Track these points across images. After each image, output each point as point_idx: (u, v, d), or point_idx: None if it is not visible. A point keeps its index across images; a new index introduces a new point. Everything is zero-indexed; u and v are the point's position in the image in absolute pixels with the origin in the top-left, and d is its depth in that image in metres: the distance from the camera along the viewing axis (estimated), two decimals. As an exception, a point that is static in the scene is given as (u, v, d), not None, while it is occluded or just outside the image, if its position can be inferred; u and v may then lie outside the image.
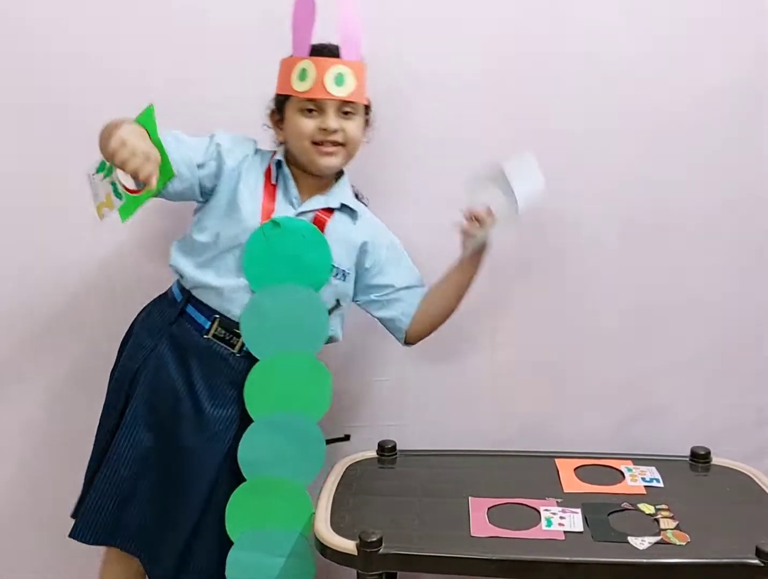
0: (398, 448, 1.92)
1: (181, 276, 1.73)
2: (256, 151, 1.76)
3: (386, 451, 1.91)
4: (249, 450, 1.70)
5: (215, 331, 1.70)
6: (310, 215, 1.72)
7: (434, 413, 2.04)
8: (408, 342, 1.86)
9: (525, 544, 1.57)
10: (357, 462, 1.89)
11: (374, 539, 1.53)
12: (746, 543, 1.52)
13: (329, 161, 1.70)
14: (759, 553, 1.49)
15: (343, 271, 1.74)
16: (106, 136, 1.52)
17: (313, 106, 1.67)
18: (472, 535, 1.60)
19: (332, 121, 1.66)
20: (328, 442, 1.76)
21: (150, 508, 1.71)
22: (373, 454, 1.92)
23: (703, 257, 2.00)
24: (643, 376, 2.04)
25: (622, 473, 1.82)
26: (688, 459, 1.89)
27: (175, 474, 1.70)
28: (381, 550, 1.54)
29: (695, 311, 2.02)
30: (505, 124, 1.92)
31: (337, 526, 1.62)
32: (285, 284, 1.69)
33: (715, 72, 1.92)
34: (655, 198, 1.97)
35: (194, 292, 1.72)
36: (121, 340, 1.83)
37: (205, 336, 1.71)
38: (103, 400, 1.79)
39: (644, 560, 1.52)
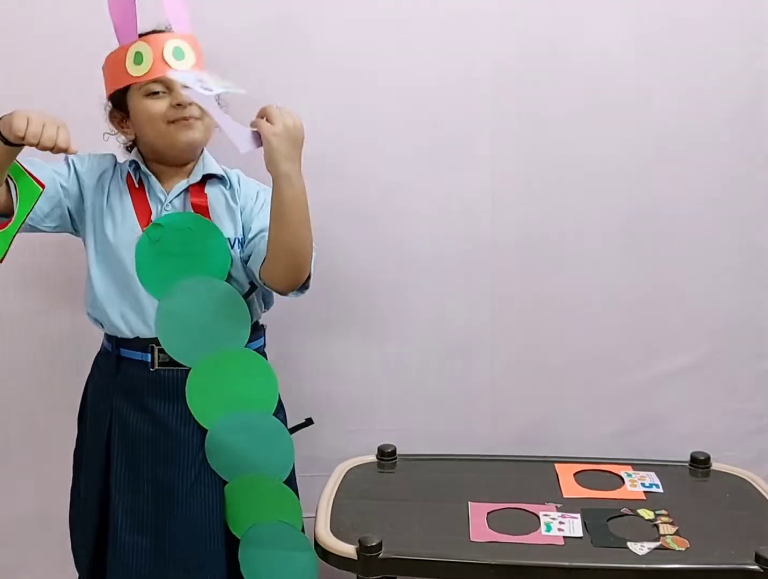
0: (398, 452, 1.92)
1: (102, 325, 1.67)
2: (116, 165, 1.70)
3: (386, 455, 1.91)
4: (216, 457, 1.65)
5: (159, 360, 1.63)
6: (178, 201, 1.65)
7: (434, 418, 2.04)
8: (272, 287, 1.62)
9: (524, 549, 1.57)
10: (357, 466, 1.89)
11: (374, 544, 1.53)
12: (746, 548, 1.52)
13: (191, 135, 1.61)
14: (758, 558, 1.49)
15: (237, 238, 1.65)
16: None
17: (159, 88, 1.59)
18: (472, 539, 1.60)
19: (183, 96, 1.57)
20: (291, 430, 1.69)
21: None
22: (372, 458, 1.92)
23: (704, 266, 2.00)
24: (644, 382, 2.04)
25: (621, 478, 1.82)
26: (687, 464, 1.89)
27: (184, 515, 1.63)
28: (381, 555, 1.54)
29: (695, 318, 2.02)
30: (506, 134, 1.94)
31: (336, 531, 1.62)
32: (186, 281, 1.60)
33: (715, 81, 1.93)
34: (656, 207, 1.98)
35: (122, 335, 1.65)
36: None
37: (152, 369, 1.63)
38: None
39: (643, 566, 1.52)
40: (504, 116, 1.94)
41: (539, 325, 2.03)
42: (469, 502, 1.71)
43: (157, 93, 1.60)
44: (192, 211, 1.64)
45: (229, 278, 1.64)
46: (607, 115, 1.94)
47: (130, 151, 1.72)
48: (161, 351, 1.63)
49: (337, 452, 1.94)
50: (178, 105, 1.59)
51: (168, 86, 1.59)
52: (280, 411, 1.72)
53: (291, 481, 1.71)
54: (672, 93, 1.93)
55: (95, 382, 1.73)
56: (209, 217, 1.64)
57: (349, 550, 1.56)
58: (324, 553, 1.60)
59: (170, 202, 1.65)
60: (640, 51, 1.92)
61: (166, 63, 1.54)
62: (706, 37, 1.92)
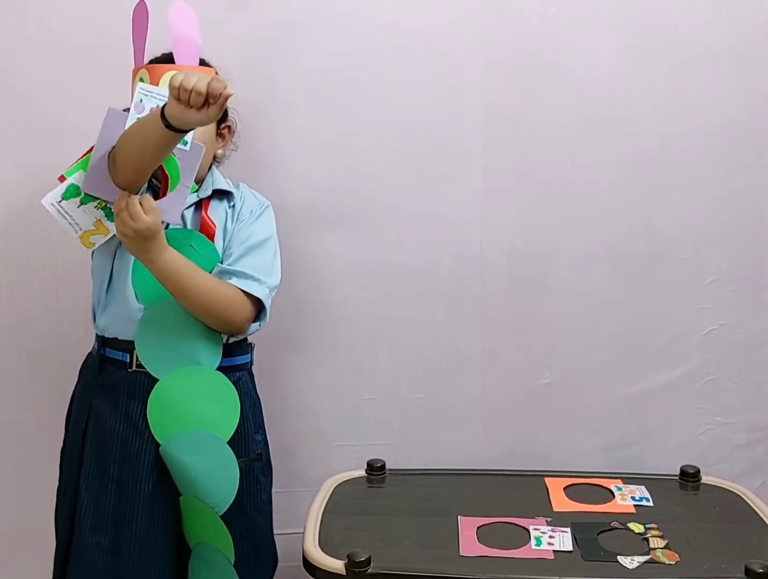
0: (387, 467, 1.92)
1: (94, 318, 1.70)
2: None
3: (375, 470, 1.90)
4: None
5: (137, 361, 1.65)
6: (188, 213, 1.68)
7: (424, 432, 2.04)
8: None
9: (514, 563, 1.56)
10: (346, 481, 1.88)
11: (363, 558, 1.52)
12: (735, 562, 1.52)
13: None
14: (748, 572, 1.48)
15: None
16: (143, 127, 1.49)
17: None
18: (461, 554, 1.59)
19: None
20: (241, 463, 1.65)
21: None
22: (362, 473, 1.91)
23: (693, 280, 2.01)
24: (633, 396, 2.04)
25: (611, 492, 1.82)
26: (677, 478, 1.89)
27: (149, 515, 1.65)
28: (370, 570, 1.53)
29: (684, 332, 2.03)
30: (496, 153, 1.96)
31: (325, 546, 1.61)
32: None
33: (706, 97, 1.95)
34: (645, 223, 1.99)
35: (107, 334, 1.68)
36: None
37: (129, 370, 1.66)
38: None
39: (634, 579, 1.52)
40: (494, 135, 1.95)
41: (529, 340, 2.03)
42: (458, 517, 1.71)
43: None
44: (198, 230, 1.67)
45: None
46: (596, 133, 1.96)
47: None
48: None
49: (326, 467, 1.94)
50: None
51: None
52: (258, 432, 1.74)
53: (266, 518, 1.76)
54: (662, 109, 1.95)
55: (81, 383, 1.76)
56: (213, 241, 1.68)
57: (337, 565, 1.55)
58: (312, 569, 1.59)
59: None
60: (630, 70, 1.94)
61: None
62: (697, 51, 1.94)
